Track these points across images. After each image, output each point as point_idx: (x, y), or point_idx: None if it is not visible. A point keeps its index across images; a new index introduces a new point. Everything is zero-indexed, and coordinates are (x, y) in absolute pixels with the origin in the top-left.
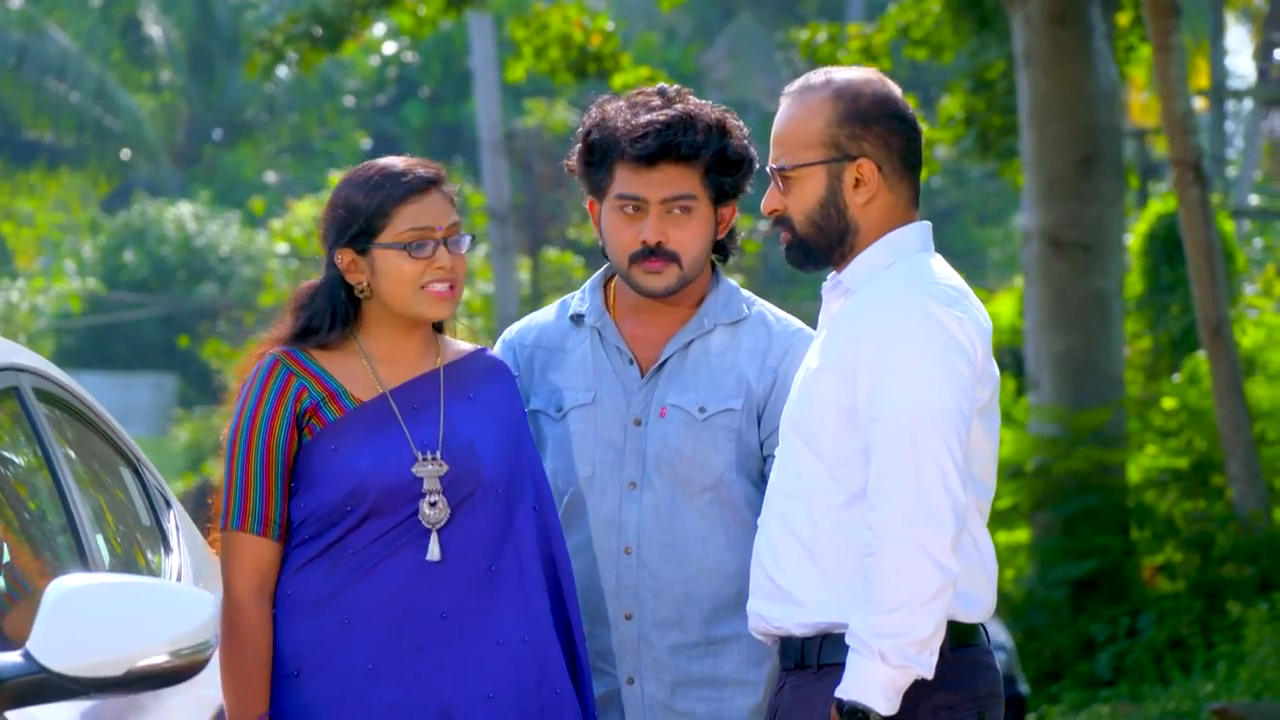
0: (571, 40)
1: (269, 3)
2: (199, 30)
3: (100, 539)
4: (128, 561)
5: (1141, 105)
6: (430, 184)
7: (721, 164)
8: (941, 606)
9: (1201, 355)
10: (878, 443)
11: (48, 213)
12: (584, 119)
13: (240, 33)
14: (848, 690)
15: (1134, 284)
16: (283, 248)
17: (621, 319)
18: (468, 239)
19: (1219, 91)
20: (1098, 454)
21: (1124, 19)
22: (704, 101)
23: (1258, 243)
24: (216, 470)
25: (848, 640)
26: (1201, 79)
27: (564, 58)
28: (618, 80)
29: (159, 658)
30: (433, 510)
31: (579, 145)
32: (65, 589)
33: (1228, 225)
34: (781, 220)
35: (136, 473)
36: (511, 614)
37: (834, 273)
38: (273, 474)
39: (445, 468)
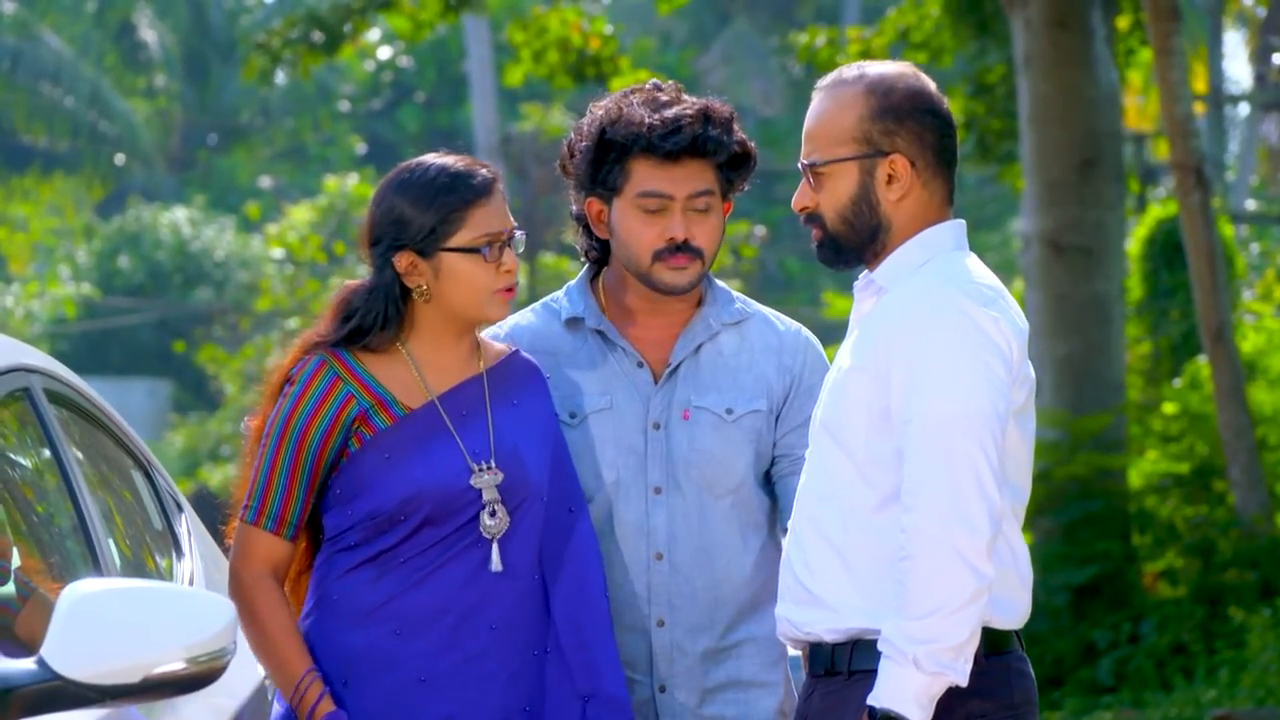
0: (570, 44)
1: (264, 7)
2: (193, 35)
3: (112, 543)
4: (139, 565)
5: (1137, 109)
6: (494, 184)
7: (734, 158)
8: (976, 612)
9: (1202, 360)
10: (911, 444)
11: (42, 218)
12: (589, 117)
13: (235, 37)
14: (879, 698)
15: (1133, 289)
16: (278, 253)
17: (619, 321)
18: (522, 235)
19: (1217, 96)
20: (1099, 459)
21: (1123, 23)
22: (707, 98)
23: (1254, 248)
24: (213, 476)
25: (880, 646)
26: (1198, 84)
27: (562, 61)
28: (616, 84)
29: (175, 665)
30: (493, 520)
31: (587, 143)
32: (80, 594)
33: (1228, 230)
34: (813, 217)
35: (148, 475)
36: (554, 622)
37: (866, 271)
38: (298, 475)
39: (501, 476)
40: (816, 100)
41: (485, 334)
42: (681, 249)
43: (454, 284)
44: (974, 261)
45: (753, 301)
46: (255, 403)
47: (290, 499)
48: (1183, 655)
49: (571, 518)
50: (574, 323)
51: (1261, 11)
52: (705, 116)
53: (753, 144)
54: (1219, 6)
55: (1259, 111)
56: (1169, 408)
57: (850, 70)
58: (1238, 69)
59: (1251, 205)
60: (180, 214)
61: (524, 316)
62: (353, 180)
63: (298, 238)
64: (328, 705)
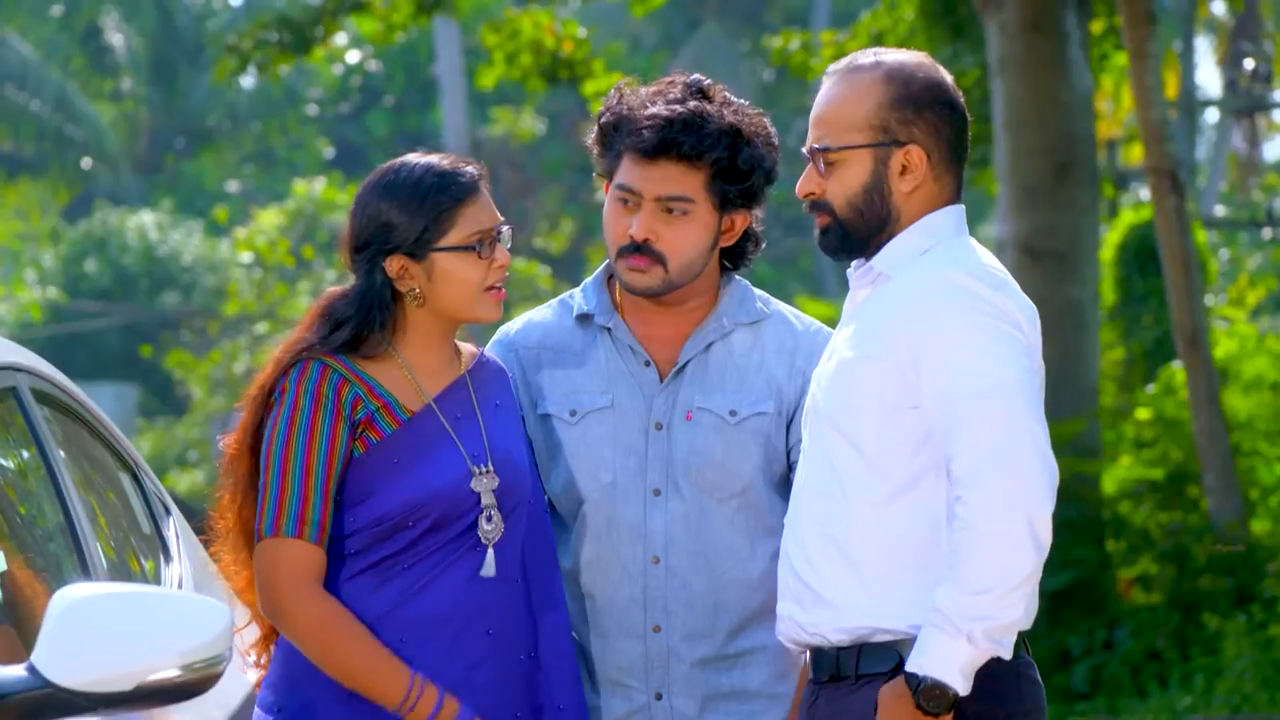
0: (543, 46)
1: (231, 11)
2: (161, 38)
3: (100, 546)
4: (125, 568)
5: (1106, 115)
6: (481, 180)
7: (730, 171)
8: (1033, 588)
9: (1176, 365)
10: (960, 421)
11: (7, 221)
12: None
13: (202, 41)
14: (924, 665)
15: (1106, 294)
16: (246, 256)
17: (630, 317)
18: (508, 230)
19: (1188, 102)
20: (1073, 465)
21: (1097, 27)
22: (736, 103)
23: (1223, 253)
24: (180, 482)
25: (929, 615)
26: (1169, 89)
27: (535, 64)
28: (589, 87)
29: (170, 672)
30: (490, 525)
31: (596, 125)
32: (71, 599)
33: (1201, 235)
34: (818, 205)
35: (135, 478)
36: (535, 625)
37: (860, 260)
38: (331, 481)
39: (497, 480)
40: (830, 85)
41: (505, 326)
42: (641, 250)
43: (447, 284)
44: (978, 246)
45: (775, 300)
46: (231, 406)
47: (327, 506)
48: (1157, 662)
49: (546, 520)
50: (585, 319)
51: (1231, 19)
52: (691, 120)
53: (767, 162)
54: (1191, 13)
55: (1229, 117)
56: (1143, 413)
57: (866, 56)
58: (1204, 75)
59: (1221, 211)
60: (147, 218)
61: (539, 312)
62: (321, 184)
63: (266, 242)
64: (453, 706)
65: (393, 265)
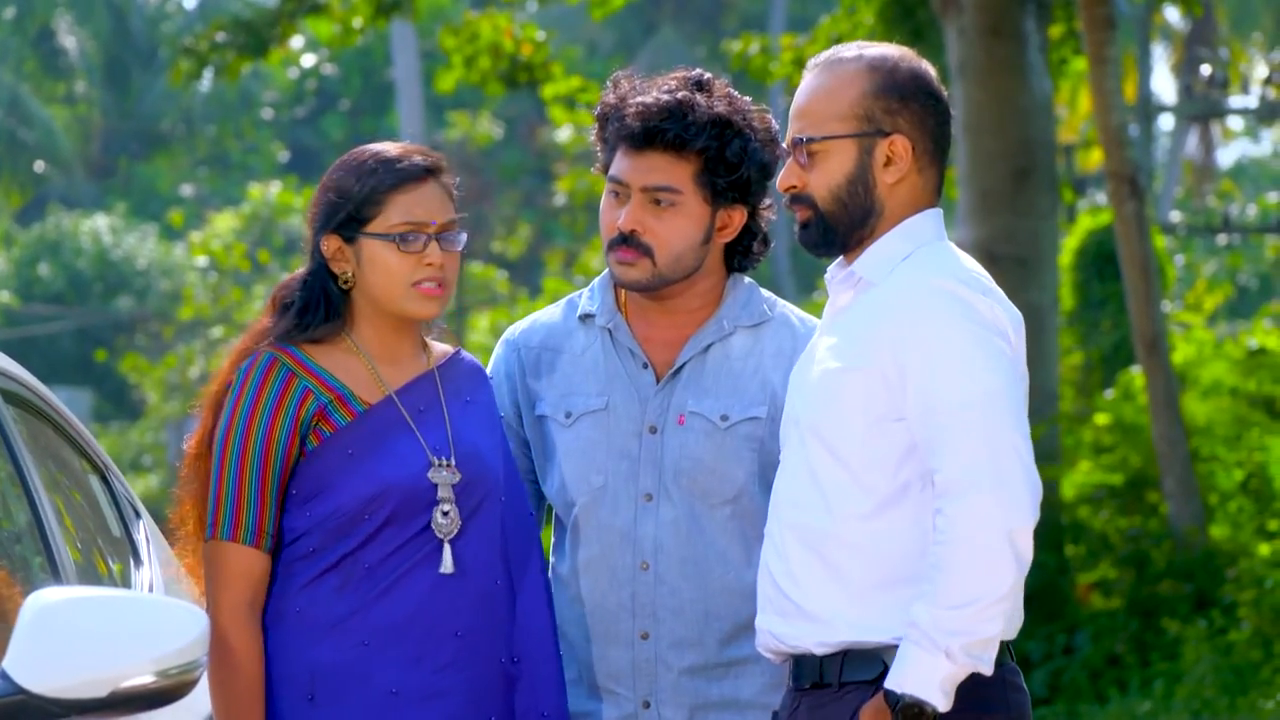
0: (502, 50)
1: (185, 13)
2: (114, 41)
3: (68, 548)
4: (96, 572)
5: (1062, 120)
6: (427, 173)
7: (719, 162)
8: (1014, 604)
9: (1135, 370)
10: (943, 433)
11: None
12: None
13: (156, 44)
14: (903, 683)
15: (1064, 299)
16: (202, 260)
17: (634, 318)
18: (463, 236)
19: (1145, 108)
20: None
21: (1056, 31)
22: (736, 97)
23: (1179, 259)
24: (134, 486)
25: (906, 630)
26: (1126, 95)
27: (494, 67)
28: (548, 90)
29: (145, 678)
30: (445, 520)
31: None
32: (44, 604)
33: (1159, 241)
34: (799, 198)
35: (105, 480)
36: (516, 629)
37: (839, 263)
38: (268, 481)
39: (458, 475)
40: (811, 77)
41: (513, 326)
42: (627, 242)
43: (374, 273)
44: (959, 251)
45: (782, 303)
46: (185, 411)
47: (264, 506)
48: (1117, 667)
49: (532, 520)
50: (587, 319)
51: (1187, 25)
52: (677, 109)
53: (760, 156)
54: (1147, 19)
55: (1184, 124)
56: (1101, 419)
57: (848, 49)
58: (1159, 82)
59: (1176, 217)
60: (101, 221)
61: (546, 312)
62: (276, 188)
63: (221, 246)
64: None
65: (329, 245)
